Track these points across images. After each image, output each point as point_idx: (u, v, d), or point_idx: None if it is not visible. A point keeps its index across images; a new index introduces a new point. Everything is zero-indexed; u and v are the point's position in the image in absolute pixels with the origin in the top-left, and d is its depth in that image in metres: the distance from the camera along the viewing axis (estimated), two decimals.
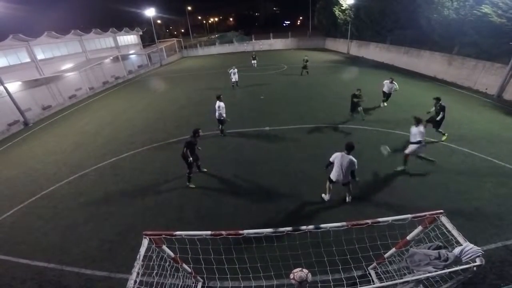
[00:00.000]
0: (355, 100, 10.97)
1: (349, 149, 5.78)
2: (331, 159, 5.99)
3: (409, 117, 10.13)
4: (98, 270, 5.13)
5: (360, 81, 18.16)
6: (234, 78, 18.00)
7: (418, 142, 7.00)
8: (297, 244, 3.68)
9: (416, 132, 6.98)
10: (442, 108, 8.65)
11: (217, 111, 10.16)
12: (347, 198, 6.40)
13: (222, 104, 10.11)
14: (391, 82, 12.32)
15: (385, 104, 13.00)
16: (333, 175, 6.02)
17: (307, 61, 20.55)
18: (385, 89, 12.59)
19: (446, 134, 9.06)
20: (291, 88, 17.53)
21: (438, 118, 8.80)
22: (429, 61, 19.39)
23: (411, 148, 7.24)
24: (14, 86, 15.56)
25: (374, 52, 27.68)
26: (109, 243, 5.82)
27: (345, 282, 3.69)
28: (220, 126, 10.69)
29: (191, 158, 7.12)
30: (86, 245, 5.84)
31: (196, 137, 7.36)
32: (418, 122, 7.04)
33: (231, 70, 18.13)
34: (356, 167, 5.80)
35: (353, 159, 5.76)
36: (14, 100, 14.76)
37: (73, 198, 7.63)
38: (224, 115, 10.29)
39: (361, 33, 29.66)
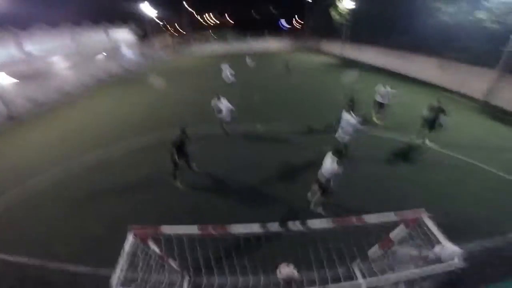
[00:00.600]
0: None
1: (338, 155, 5.33)
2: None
3: (400, 121, 10.42)
4: (82, 265, 5.06)
5: (352, 84, 18.38)
6: (225, 74, 18.20)
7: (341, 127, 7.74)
8: (285, 241, 3.72)
9: (346, 118, 7.58)
10: (437, 110, 8.67)
11: (224, 111, 9.98)
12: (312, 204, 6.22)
13: (226, 102, 10.10)
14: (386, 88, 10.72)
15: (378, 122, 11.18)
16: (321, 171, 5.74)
17: (287, 62, 22.38)
18: (379, 98, 10.83)
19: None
20: (285, 89, 17.60)
21: (426, 117, 8.81)
22: (422, 65, 19.72)
23: (338, 133, 7.95)
24: (0, 79, 15.12)
25: (368, 55, 27.95)
26: (94, 238, 5.75)
27: (329, 279, 3.74)
28: (224, 126, 10.50)
29: (176, 158, 7.00)
30: (70, 240, 5.75)
31: (184, 135, 7.24)
32: (350, 107, 7.82)
33: (223, 65, 18.31)
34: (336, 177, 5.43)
35: (336, 167, 5.26)
36: None
37: (58, 193, 7.50)
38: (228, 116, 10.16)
39: (356, 36, 29.95)
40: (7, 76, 15.79)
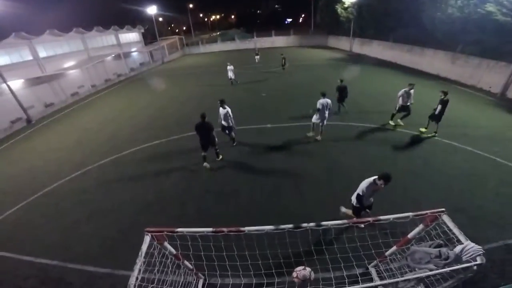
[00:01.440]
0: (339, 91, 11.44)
1: (387, 180, 4.41)
2: (360, 192, 4.76)
3: (413, 115, 10.21)
4: (100, 267, 5.16)
5: (363, 79, 18.14)
6: (230, 75, 18.22)
7: (317, 110, 8.76)
8: (298, 242, 3.69)
9: (321, 102, 8.62)
10: (441, 102, 8.62)
11: (222, 120, 8.79)
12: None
13: (229, 110, 8.72)
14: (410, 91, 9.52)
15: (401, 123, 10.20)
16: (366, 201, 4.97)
17: (284, 58, 21.85)
18: (402, 101, 9.74)
19: (426, 129, 9.40)
20: (292, 85, 17.50)
21: (437, 112, 8.79)
22: (432, 59, 19.26)
23: (314, 117, 9.10)
24: (16, 84, 15.60)
25: (377, 50, 27.52)
26: (111, 240, 5.86)
27: (346, 280, 3.70)
28: (231, 134, 9.47)
29: (200, 139, 7.79)
30: (89, 242, 5.88)
31: (204, 120, 7.61)
32: (323, 94, 8.75)
33: (228, 67, 18.29)
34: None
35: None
36: (16, 98, 14.82)
37: (75, 195, 7.68)
38: (233, 121, 8.96)
39: (363, 31, 29.46)
40: (23, 81, 16.27)
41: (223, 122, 8.86)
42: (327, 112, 8.85)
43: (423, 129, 9.51)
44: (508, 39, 13.26)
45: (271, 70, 22.97)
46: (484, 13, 13.62)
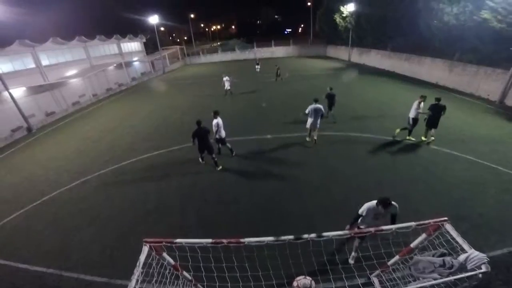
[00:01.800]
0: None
1: (385, 205, 4.21)
2: (360, 211, 4.54)
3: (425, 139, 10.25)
4: (97, 276, 5.08)
5: (361, 89, 18.29)
6: (227, 85, 18.40)
7: (305, 114, 9.43)
8: (299, 253, 3.63)
9: (310, 107, 9.22)
10: (430, 108, 8.73)
11: (215, 131, 8.65)
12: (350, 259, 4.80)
13: (220, 121, 8.66)
14: (420, 103, 9.04)
15: (412, 138, 9.75)
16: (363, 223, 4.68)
17: (278, 69, 22.68)
18: (413, 114, 9.25)
19: (426, 137, 9.48)
20: (291, 95, 17.60)
21: (425, 117, 8.92)
22: (430, 67, 19.47)
23: (307, 122, 9.58)
24: (18, 92, 15.72)
25: (375, 59, 27.85)
26: (110, 249, 5.78)
27: None
28: (223, 146, 9.37)
29: (192, 143, 8.31)
30: (86, 251, 5.80)
31: (200, 126, 8.12)
32: (316, 100, 9.29)
33: (225, 78, 18.51)
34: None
35: (395, 209, 4.34)
36: (18, 106, 14.90)
37: (75, 204, 7.62)
38: (223, 133, 8.87)
39: (362, 40, 29.88)
40: (25, 89, 16.38)
41: (216, 135, 8.79)
42: (318, 118, 9.37)
43: (423, 138, 9.52)
44: (505, 46, 13.42)
45: (271, 80, 23.19)
46: (480, 21, 13.81)
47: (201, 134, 8.18)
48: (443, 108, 8.58)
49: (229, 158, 9.47)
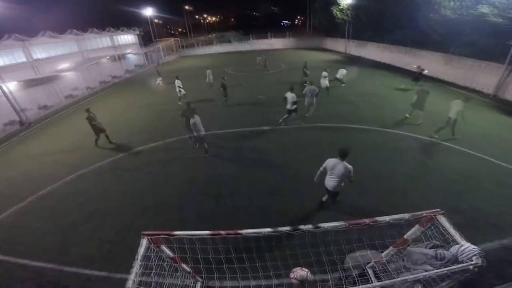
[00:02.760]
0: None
1: (343, 155, 5.12)
2: (322, 167, 5.46)
3: (409, 116, 10.29)
4: (97, 270, 5.12)
5: (359, 81, 18.25)
6: (208, 79, 18.47)
7: (304, 94, 11.22)
8: (296, 244, 3.69)
9: (307, 89, 11.05)
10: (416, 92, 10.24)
11: (194, 130, 8.52)
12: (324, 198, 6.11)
13: (198, 120, 8.42)
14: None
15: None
16: (328, 183, 5.53)
17: (266, 60, 24.67)
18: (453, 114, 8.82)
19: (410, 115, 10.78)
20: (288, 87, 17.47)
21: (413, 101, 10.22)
22: (428, 61, 19.43)
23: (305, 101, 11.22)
24: (10, 86, 15.42)
25: (373, 51, 27.74)
26: (108, 243, 5.81)
27: (344, 281, 3.70)
28: (201, 144, 9.04)
29: (180, 122, 9.50)
30: (85, 245, 5.83)
31: (190, 107, 9.14)
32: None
33: (207, 71, 18.56)
34: (352, 175, 5.20)
35: (348, 166, 5.11)
36: (10, 100, 14.66)
37: (72, 198, 7.60)
38: (203, 131, 8.69)
39: (360, 33, 29.71)
40: (16, 83, 16.09)
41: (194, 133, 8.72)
42: (314, 98, 11.19)
43: (407, 115, 10.85)
44: (501, 40, 13.45)
45: (270, 72, 23.10)
46: (477, 15, 13.79)
47: (187, 114, 8.98)
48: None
49: (226, 150, 9.49)
